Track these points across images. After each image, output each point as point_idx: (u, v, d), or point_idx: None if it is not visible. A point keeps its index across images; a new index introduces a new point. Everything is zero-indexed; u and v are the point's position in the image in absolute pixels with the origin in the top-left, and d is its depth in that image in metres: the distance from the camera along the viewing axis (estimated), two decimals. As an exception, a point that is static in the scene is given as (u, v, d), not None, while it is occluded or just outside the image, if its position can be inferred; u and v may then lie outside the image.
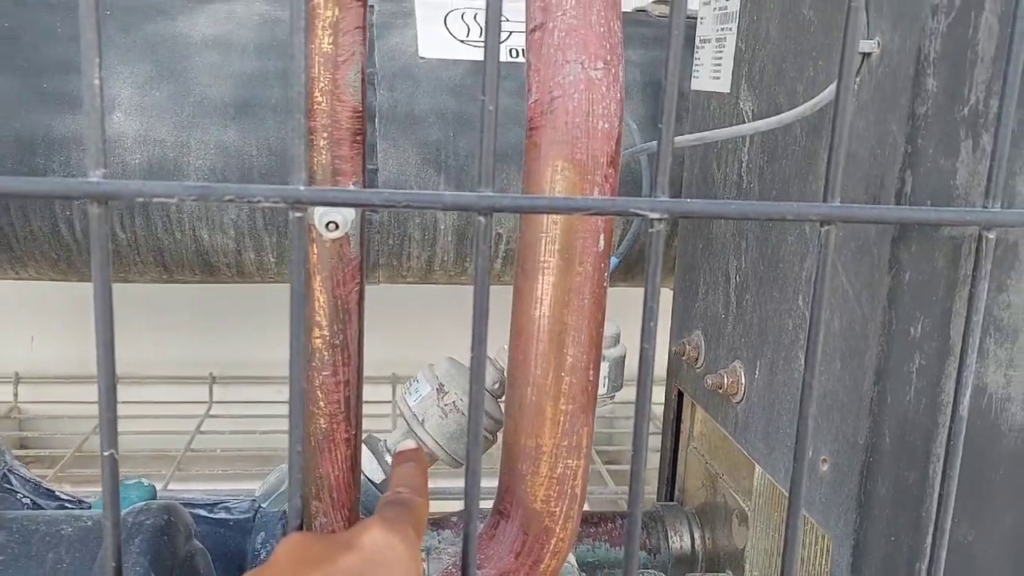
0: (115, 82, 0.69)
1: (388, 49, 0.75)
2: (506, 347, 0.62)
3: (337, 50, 0.48)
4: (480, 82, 0.81)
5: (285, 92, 0.72)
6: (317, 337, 0.50)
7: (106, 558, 0.33)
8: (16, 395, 1.27)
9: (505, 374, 0.63)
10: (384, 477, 0.61)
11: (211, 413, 1.24)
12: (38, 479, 0.60)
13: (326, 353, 0.50)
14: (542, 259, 0.45)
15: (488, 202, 0.35)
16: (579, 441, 0.47)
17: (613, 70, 0.45)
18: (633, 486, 0.37)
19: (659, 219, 0.35)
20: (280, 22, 0.75)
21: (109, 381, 0.36)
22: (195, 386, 1.27)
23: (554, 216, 0.44)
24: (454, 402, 0.60)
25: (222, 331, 1.28)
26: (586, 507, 0.76)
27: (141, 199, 0.34)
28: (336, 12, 0.47)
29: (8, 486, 0.57)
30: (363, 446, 0.62)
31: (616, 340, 0.58)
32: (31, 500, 0.57)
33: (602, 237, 0.45)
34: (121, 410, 1.01)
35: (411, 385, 0.62)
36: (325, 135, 0.49)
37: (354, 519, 0.54)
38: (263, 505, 0.61)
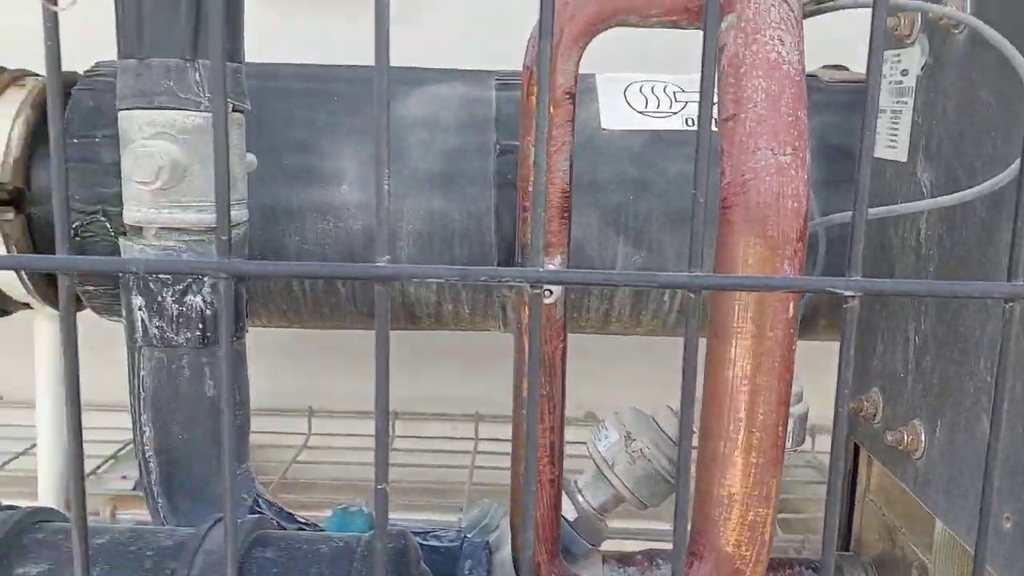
0: (343, 159, 0.79)
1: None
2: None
3: (551, 141, 0.55)
4: (659, 150, 0.87)
5: (482, 164, 0.81)
6: (526, 388, 0.57)
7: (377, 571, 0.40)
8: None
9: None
10: (577, 515, 0.67)
11: (394, 447, 1.35)
12: (280, 504, 0.69)
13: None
14: (735, 325, 0.50)
15: (699, 282, 0.40)
16: (768, 491, 0.51)
17: (800, 155, 0.50)
18: (827, 535, 0.41)
19: (852, 296, 0.40)
20: (477, 102, 0.83)
21: (383, 423, 0.43)
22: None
23: (747, 287, 0.50)
24: (641, 449, 0.65)
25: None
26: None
27: (416, 279, 0.42)
28: (551, 109, 0.54)
29: (258, 509, 0.67)
30: (557, 486, 0.68)
31: (800, 398, 0.62)
32: (276, 522, 0.66)
33: (792, 305, 0.50)
34: (296, 439, 1.10)
35: (600, 431, 0.68)
36: (539, 213, 0.56)
37: (555, 552, 0.60)
38: (468, 535, 0.68)
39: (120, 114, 0.61)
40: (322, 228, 0.80)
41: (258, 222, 0.79)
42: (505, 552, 0.66)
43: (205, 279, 0.63)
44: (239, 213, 0.64)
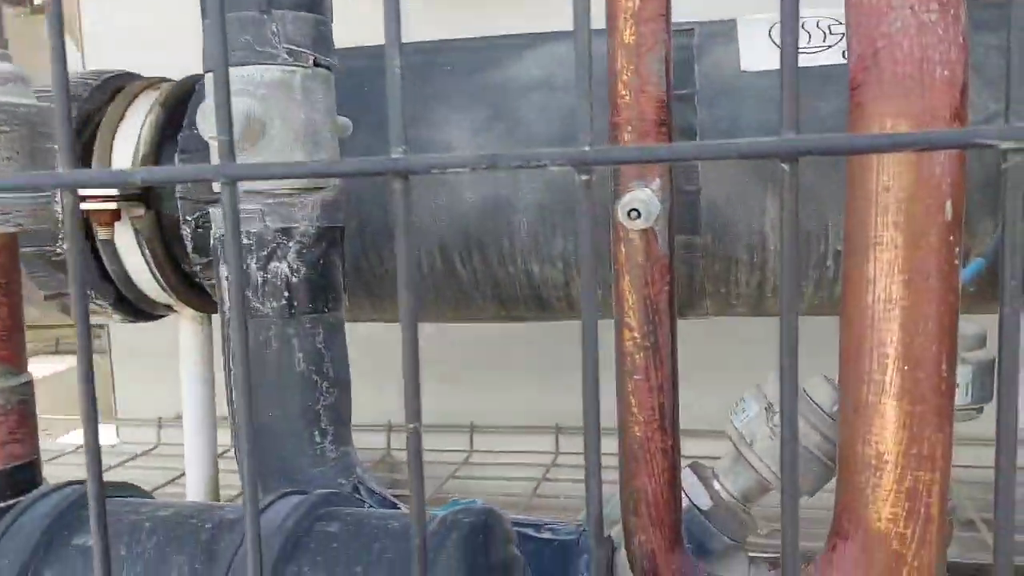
0: (453, 128, 0.74)
1: (707, 68, 0.73)
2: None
3: (639, 40, 0.47)
4: (810, 89, 0.75)
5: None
6: (628, 340, 0.48)
7: (414, 528, 0.33)
8: (389, 443, 1.40)
9: (847, 393, 0.55)
10: (712, 504, 0.56)
11: (556, 463, 1.27)
12: (386, 493, 0.64)
13: (638, 356, 0.48)
14: (874, 234, 0.39)
15: (791, 146, 0.31)
16: (932, 450, 0.39)
17: (952, 11, 0.39)
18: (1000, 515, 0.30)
19: (1015, 150, 0.29)
20: (600, 57, 0.76)
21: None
22: (541, 435, 1.31)
23: (886, 181, 0.39)
24: (787, 423, 0.54)
25: (565, 381, 1.31)
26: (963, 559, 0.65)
27: (437, 171, 0.35)
28: (636, 2, 0.46)
29: (358, 496, 0.62)
30: (689, 471, 0.58)
31: (982, 342, 0.49)
32: (376, 509, 0.60)
33: (949, 204, 0.38)
34: (474, 458, 1.05)
35: (737, 406, 0.57)
36: (630, 128, 0.48)
37: (676, 540, 0.50)
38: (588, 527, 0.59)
39: (205, 78, 0.60)
40: (436, 204, 0.75)
41: (372, 199, 0.75)
42: (630, 548, 0.57)
43: (291, 245, 0.59)
44: (326, 174, 0.60)
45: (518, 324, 1.26)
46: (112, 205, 0.76)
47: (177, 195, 0.77)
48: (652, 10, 0.47)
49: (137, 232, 0.80)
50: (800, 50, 0.72)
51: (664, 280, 0.48)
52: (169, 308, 0.90)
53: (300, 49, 0.58)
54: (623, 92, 0.47)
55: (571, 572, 0.57)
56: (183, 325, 0.92)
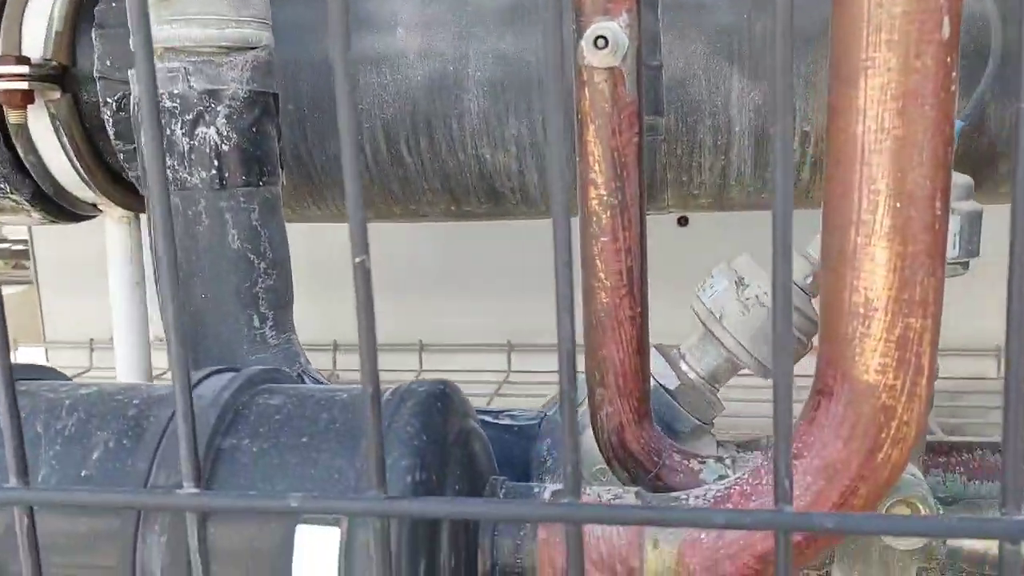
0: (400, 1, 0.69)
1: (671, -67, 0.68)
2: (819, 238, 0.52)
3: None
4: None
5: (563, -4, 0.68)
6: (593, 198, 0.44)
7: (363, 379, 0.29)
8: (335, 363, 1.35)
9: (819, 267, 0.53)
10: (679, 383, 0.53)
11: (508, 380, 1.25)
12: (330, 383, 0.60)
13: (604, 216, 0.44)
14: (864, 57, 0.36)
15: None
16: (924, 295, 0.37)
17: None
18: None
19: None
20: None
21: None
22: (494, 354, 1.28)
23: (879, -3, 0.35)
24: (756, 295, 0.51)
25: (519, 299, 1.28)
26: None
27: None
28: None
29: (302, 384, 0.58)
30: (655, 351, 0.55)
31: (970, 192, 0.46)
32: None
33: (947, 21, 0.35)
34: (423, 376, 0.99)
35: (705, 282, 0.54)
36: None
37: (644, 412, 0.47)
38: (549, 413, 0.56)
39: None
40: (379, 83, 0.70)
41: (309, 79, 0.70)
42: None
43: (219, 109, 0.54)
44: (257, 33, 0.55)
45: (471, 239, 1.23)
46: (23, 85, 0.69)
47: (95, 74, 0.71)
48: None
49: (53, 117, 0.73)
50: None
51: (633, 130, 0.44)
52: (94, 207, 0.84)
53: None
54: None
55: (531, 456, 0.54)
56: (109, 229, 0.85)
